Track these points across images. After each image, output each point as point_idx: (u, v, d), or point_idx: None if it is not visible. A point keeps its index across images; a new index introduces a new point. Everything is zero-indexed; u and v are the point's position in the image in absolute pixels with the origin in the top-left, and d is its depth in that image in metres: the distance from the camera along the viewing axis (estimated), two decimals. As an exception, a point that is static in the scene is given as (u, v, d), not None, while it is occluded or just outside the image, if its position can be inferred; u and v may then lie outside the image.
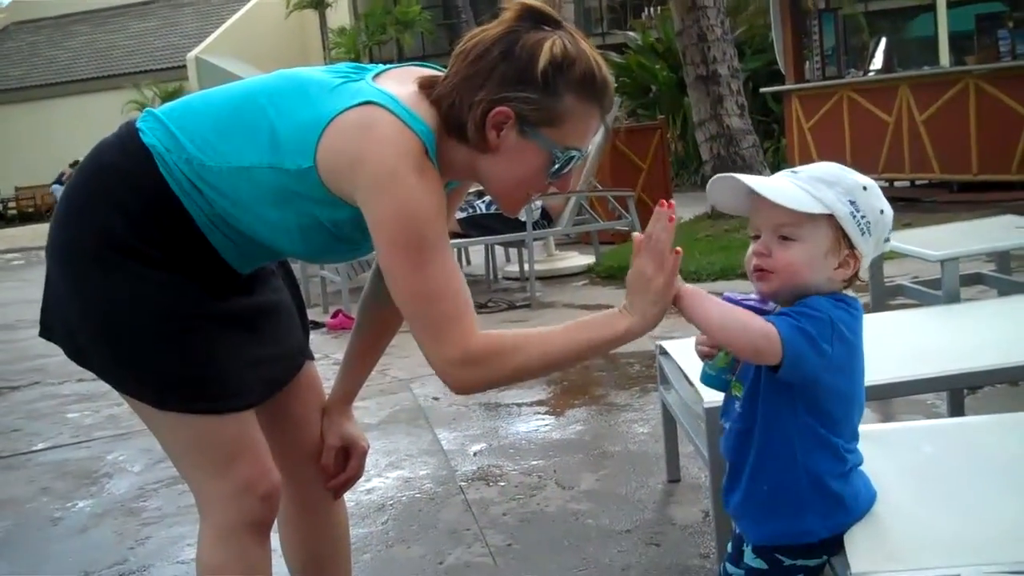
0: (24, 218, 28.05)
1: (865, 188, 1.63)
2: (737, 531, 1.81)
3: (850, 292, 1.69)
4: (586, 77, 1.75)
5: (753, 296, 1.69)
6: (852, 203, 1.62)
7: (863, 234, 1.63)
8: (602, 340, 1.75)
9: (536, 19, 1.75)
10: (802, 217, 1.61)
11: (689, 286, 1.67)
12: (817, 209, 1.61)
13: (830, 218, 1.61)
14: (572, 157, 1.80)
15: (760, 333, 1.58)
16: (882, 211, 1.65)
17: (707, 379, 1.80)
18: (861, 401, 1.69)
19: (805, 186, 1.62)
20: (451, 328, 1.74)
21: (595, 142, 7.85)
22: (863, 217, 1.62)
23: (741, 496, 1.72)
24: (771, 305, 1.67)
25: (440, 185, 1.78)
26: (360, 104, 1.74)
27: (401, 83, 1.82)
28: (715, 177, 1.70)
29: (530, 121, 1.74)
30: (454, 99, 1.75)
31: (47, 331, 1.96)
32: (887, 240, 1.69)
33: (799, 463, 1.64)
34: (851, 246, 1.63)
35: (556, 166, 1.79)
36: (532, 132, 1.75)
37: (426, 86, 1.80)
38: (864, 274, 1.69)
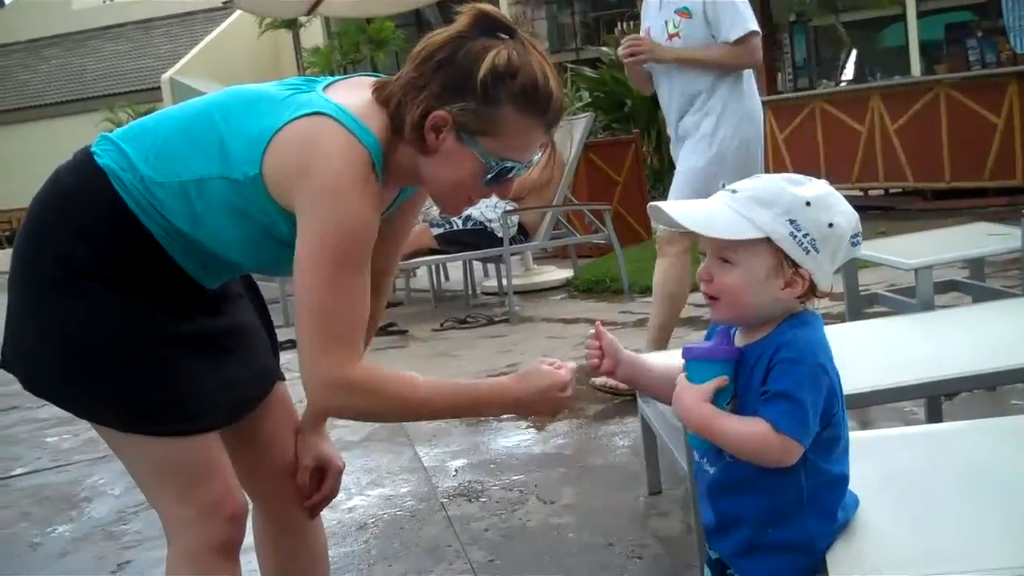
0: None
1: (809, 204, 1.54)
2: (714, 557, 1.75)
3: (814, 304, 1.65)
4: (527, 89, 1.75)
5: (712, 344, 1.66)
6: (792, 222, 1.54)
7: (807, 253, 1.55)
8: (490, 405, 1.90)
9: (490, 26, 1.77)
10: (737, 241, 1.57)
11: (705, 408, 1.58)
12: (750, 234, 1.55)
13: (768, 240, 1.55)
14: (506, 168, 1.81)
15: (779, 451, 1.54)
16: (831, 224, 1.55)
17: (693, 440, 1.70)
18: (842, 400, 1.63)
19: (740, 209, 1.56)
20: (340, 348, 1.76)
21: (569, 156, 7.86)
22: (805, 235, 1.54)
23: (739, 542, 1.66)
24: (732, 349, 1.62)
25: (378, 202, 1.80)
26: (308, 115, 1.76)
27: (351, 92, 1.84)
28: (649, 206, 1.67)
29: (467, 128, 1.75)
30: (399, 99, 1.77)
31: (5, 364, 1.93)
32: (854, 244, 1.60)
33: (807, 508, 1.61)
34: (795, 265, 1.56)
35: (490, 176, 1.80)
36: (469, 139, 1.77)
37: (379, 88, 1.82)
38: (826, 287, 1.61)
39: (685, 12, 4.22)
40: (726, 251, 1.59)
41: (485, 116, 1.75)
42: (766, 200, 1.56)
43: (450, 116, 1.75)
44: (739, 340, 1.66)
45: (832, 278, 1.62)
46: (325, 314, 1.75)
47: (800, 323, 1.60)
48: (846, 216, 1.59)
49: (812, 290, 1.60)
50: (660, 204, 1.63)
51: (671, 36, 4.27)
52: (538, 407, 1.90)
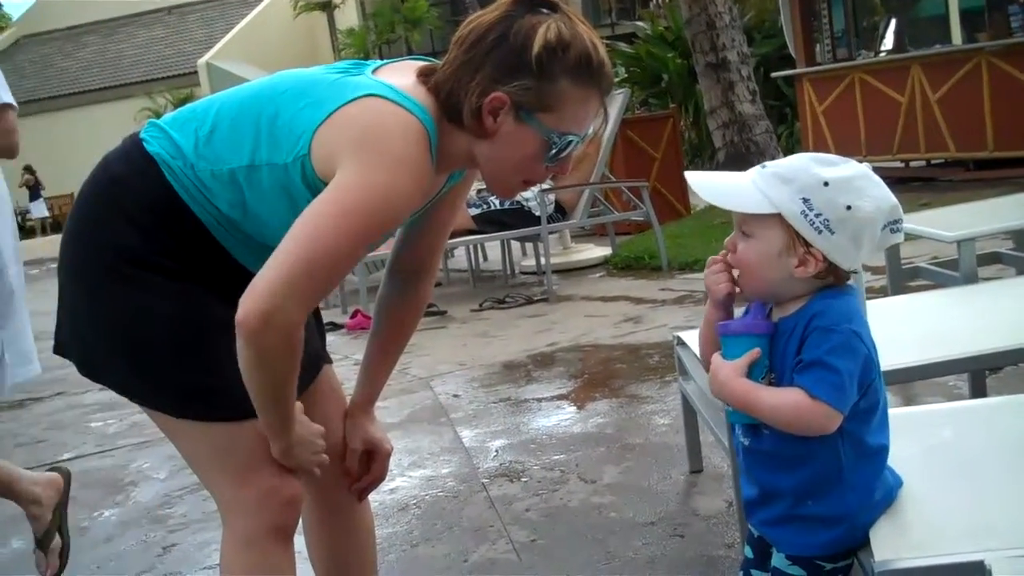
0: (42, 229, 28.16)
1: (827, 184, 1.55)
2: (756, 535, 1.76)
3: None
4: (581, 60, 1.74)
5: (747, 319, 1.66)
6: (805, 201, 1.55)
7: (819, 233, 1.55)
8: (266, 418, 1.83)
9: (533, 3, 1.75)
10: (753, 215, 1.59)
11: (739, 382, 1.59)
12: (762, 209, 1.58)
13: (782, 217, 1.57)
14: (570, 142, 1.79)
15: (817, 418, 1.54)
16: (848, 207, 1.54)
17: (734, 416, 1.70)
18: (879, 369, 1.63)
19: (761, 184, 1.59)
20: (312, 300, 1.73)
21: (605, 133, 7.83)
22: (818, 215, 1.54)
23: (778, 514, 1.66)
24: (768, 323, 1.63)
25: (427, 186, 1.78)
26: (361, 97, 1.73)
27: (402, 75, 1.82)
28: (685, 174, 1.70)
29: (526, 107, 1.74)
30: (451, 86, 1.75)
31: (60, 347, 1.96)
32: (894, 231, 1.60)
33: (846, 481, 1.61)
34: (808, 244, 1.57)
35: (553, 151, 1.79)
36: (528, 118, 1.75)
37: (424, 74, 1.81)
38: (849, 269, 1.61)
39: None
40: (745, 224, 1.62)
41: (543, 92, 1.74)
42: (786, 177, 1.58)
43: (508, 96, 1.73)
44: (775, 314, 1.66)
45: (858, 260, 1.61)
46: (328, 261, 1.68)
47: (834, 293, 1.61)
48: (875, 201, 1.57)
49: (834, 271, 1.60)
50: (690, 175, 1.66)
51: None
52: (297, 452, 1.90)
